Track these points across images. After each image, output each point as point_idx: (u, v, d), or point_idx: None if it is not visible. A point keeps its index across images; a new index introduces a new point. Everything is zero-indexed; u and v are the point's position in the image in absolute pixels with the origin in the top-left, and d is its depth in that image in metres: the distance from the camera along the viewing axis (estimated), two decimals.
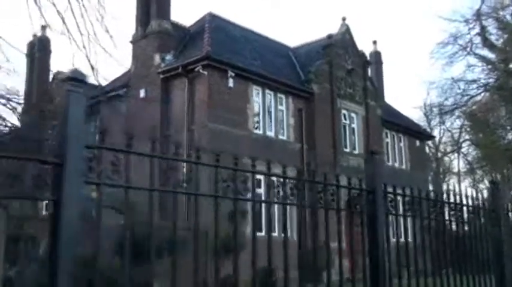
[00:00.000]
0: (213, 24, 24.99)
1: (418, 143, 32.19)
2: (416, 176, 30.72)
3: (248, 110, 22.31)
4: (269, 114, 23.48)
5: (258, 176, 4.47)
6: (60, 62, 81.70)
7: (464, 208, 6.48)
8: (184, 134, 21.06)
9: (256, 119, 22.78)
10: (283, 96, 24.10)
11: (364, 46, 54.81)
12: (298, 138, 24.28)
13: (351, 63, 27.33)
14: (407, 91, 67.43)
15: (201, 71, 20.88)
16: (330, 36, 26.69)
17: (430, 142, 55.27)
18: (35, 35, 30.91)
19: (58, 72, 28.96)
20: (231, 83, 21.48)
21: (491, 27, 37.74)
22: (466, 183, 56.15)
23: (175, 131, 21.53)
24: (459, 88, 39.02)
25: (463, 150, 55.02)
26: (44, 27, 30.64)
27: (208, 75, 20.97)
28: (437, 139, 55.53)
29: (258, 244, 4.02)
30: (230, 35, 24.97)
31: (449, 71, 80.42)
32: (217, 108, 21.02)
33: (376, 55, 35.42)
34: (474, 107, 42.09)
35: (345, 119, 26.62)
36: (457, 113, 41.85)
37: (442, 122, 50.54)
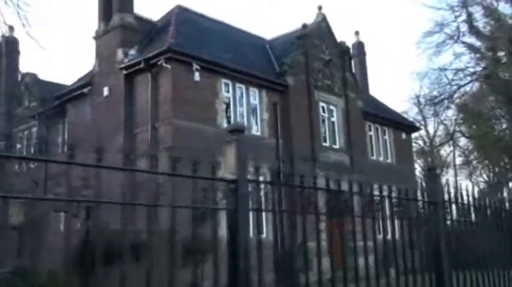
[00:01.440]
0: (181, 17, 23.90)
1: (404, 136, 31.05)
2: (402, 169, 29.63)
3: (217, 104, 21.20)
4: (240, 108, 22.37)
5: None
6: (30, 63, 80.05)
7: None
8: (148, 132, 20.00)
9: (226, 114, 21.65)
10: (256, 89, 22.99)
11: (347, 37, 54.05)
12: (273, 133, 23.16)
13: (329, 54, 26.20)
14: (394, 83, 66.49)
15: (163, 64, 19.77)
16: (304, 26, 25.58)
17: (424, 135, 54.38)
18: (2, 36, 29.81)
19: (26, 74, 27.93)
20: (197, 76, 20.36)
21: (478, 14, 36.69)
22: (463, 176, 55.15)
23: (140, 130, 20.45)
24: (447, 78, 38.04)
25: (461, 144, 53.98)
26: (11, 28, 29.67)
27: (172, 69, 19.86)
28: (432, 131, 54.53)
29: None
30: (200, 27, 23.86)
31: (437, 61, 79.58)
32: (183, 104, 19.91)
33: (359, 46, 34.33)
34: (464, 98, 41.11)
35: (324, 111, 25.48)
36: (447, 103, 40.92)
37: (436, 115, 49.45)
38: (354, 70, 33.64)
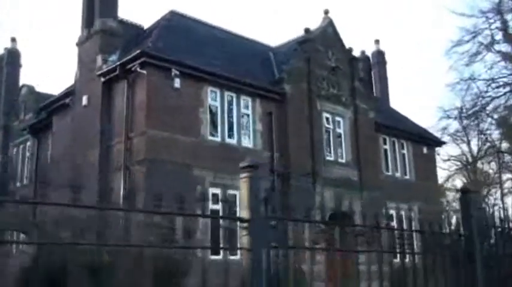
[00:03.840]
0: (173, 22, 22.48)
1: (425, 150, 28.53)
2: (424, 186, 27.17)
3: (201, 114, 19.50)
4: (230, 118, 20.61)
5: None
6: (31, 76, 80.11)
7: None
8: (123, 144, 18.49)
9: (212, 124, 19.93)
10: (248, 98, 21.20)
11: (367, 46, 51.78)
12: (267, 145, 21.28)
13: (335, 61, 24.17)
14: (420, 95, 63.53)
15: (138, 69, 18.27)
16: (307, 31, 23.66)
17: (467, 152, 50.93)
18: (4, 48, 29.22)
19: (23, 86, 27.09)
20: (177, 83, 18.76)
21: None
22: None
23: (116, 141, 18.97)
24: (478, 89, 35.25)
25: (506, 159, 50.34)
26: (14, 40, 28.99)
27: (148, 75, 18.33)
28: (475, 146, 51.04)
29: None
30: (191, 33, 22.33)
31: (466, 70, 75.67)
32: (160, 112, 18.31)
33: (379, 55, 32.11)
34: (501, 111, 38.10)
35: (328, 123, 23.41)
36: (481, 117, 37.95)
37: (480, 131, 46.21)
38: (373, 80, 31.59)
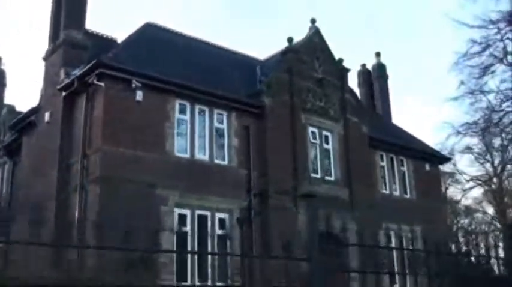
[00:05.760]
0: (146, 33, 21.33)
1: (427, 167, 26.60)
2: (426, 206, 25.22)
3: (168, 129, 18.13)
4: (202, 134, 19.19)
5: None
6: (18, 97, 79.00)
7: None
8: (79, 162, 17.21)
9: (179, 139, 18.52)
10: (224, 112, 19.78)
11: (368, 60, 50.19)
12: (244, 162, 19.75)
13: (322, 72, 22.63)
14: (424, 110, 61.61)
15: (95, 81, 17.04)
16: (290, 40, 22.19)
17: (490, 169, 48.35)
18: None
19: (3, 105, 26.20)
20: (139, 96, 17.46)
21: None
22: None
23: (75, 159, 17.69)
24: (490, 103, 33.25)
25: None
26: None
27: (106, 88, 17.08)
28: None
29: None
30: (164, 44, 21.12)
31: (474, 83, 73.11)
32: (118, 128, 16.97)
33: (380, 68, 30.44)
34: None
35: (315, 138, 21.79)
36: (494, 131, 35.82)
37: (494, 148, 43.88)
38: (375, 94, 29.98)
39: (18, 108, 26.11)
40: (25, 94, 62.02)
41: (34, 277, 9.55)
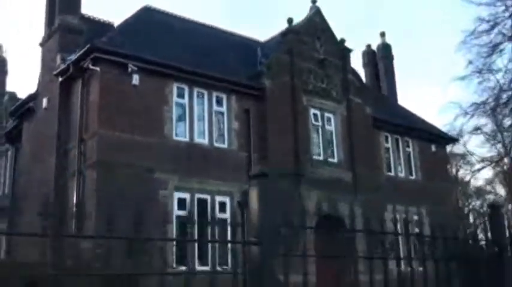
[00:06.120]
0: (143, 17, 21.07)
1: (433, 148, 26.19)
2: (433, 187, 24.87)
3: (166, 112, 17.91)
4: (201, 117, 18.95)
5: None
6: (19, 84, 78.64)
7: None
8: (77, 147, 17.07)
9: (178, 123, 18.31)
10: (223, 95, 19.51)
11: (373, 40, 49.54)
12: (244, 145, 19.52)
13: (324, 53, 22.26)
14: (429, 91, 61.17)
15: (90, 66, 16.83)
16: (290, 21, 21.81)
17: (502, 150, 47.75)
18: None
19: (5, 93, 26.12)
20: (135, 80, 17.24)
21: None
22: None
23: (72, 145, 17.55)
24: (497, 82, 32.67)
25: None
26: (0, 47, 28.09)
27: (102, 72, 16.86)
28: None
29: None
30: (162, 27, 20.83)
31: (483, 63, 72.08)
32: (114, 112, 16.78)
33: (385, 48, 29.96)
34: None
35: (317, 119, 21.48)
36: (504, 111, 35.23)
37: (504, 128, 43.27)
38: (380, 75, 29.54)
39: (20, 95, 26.03)
40: (26, 81, 61.83)
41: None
